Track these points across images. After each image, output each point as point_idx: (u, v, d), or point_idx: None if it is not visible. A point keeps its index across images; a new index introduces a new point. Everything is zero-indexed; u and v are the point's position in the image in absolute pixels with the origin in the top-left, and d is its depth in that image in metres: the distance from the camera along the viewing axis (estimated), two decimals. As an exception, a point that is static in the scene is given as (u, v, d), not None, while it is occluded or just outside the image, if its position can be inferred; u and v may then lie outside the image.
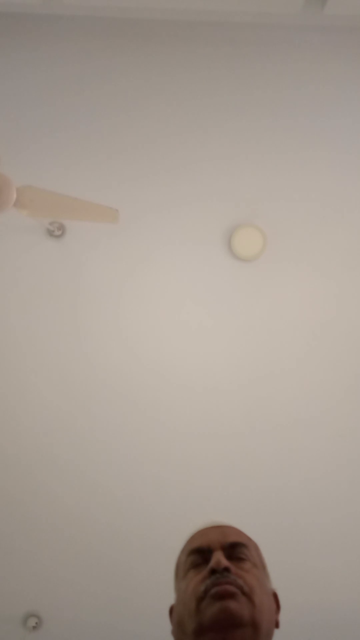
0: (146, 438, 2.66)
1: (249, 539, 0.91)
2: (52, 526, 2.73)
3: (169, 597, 0.89)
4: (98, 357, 2.64)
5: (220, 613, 0.72)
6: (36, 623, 2.83)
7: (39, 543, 2.76)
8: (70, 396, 2.68)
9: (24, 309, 2.62)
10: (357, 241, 2.48)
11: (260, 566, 0.87)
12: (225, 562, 0.79)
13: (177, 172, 2.41)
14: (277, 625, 0.84)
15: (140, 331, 2.61)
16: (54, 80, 2.33)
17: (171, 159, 2.39)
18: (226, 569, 0.77)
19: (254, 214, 2.45)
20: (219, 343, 2.58)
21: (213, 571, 0.78)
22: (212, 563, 0.79)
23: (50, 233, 2.53)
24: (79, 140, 2.36)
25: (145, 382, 2.63)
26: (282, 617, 0.85)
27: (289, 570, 2.54)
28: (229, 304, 2.55)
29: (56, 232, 2.52)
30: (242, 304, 2.55)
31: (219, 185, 2.42)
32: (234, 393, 2.56)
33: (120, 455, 2.69)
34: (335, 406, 2.64)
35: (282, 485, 2.66)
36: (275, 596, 0.88)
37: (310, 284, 2.52)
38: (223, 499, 2.64)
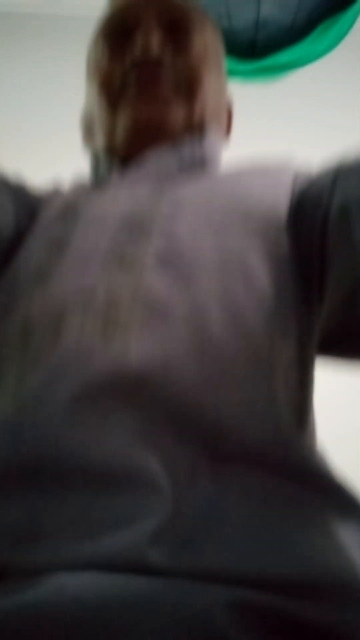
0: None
1: (206, 17, 0.58)
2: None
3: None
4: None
5: (137, 115, 0.50)
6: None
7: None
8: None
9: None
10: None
11: (216, 62, 0.57)
12: (157, 44, 0.51)
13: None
14: (227, 133, 0.63)
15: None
16: (54, 79, 2.33)
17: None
18: (159, 58, 0.51)
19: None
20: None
21: (138, 61, 0.51)
22: (138, 46, 0.51)
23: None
24: (78, 138, 2.36)
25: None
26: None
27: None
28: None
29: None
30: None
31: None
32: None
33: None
34: (336, 406, 2.63)
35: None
36: (229, 109, 0.63)
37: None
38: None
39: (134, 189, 0.48)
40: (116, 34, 0.55)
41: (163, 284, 0.39)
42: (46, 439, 0.32)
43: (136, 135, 0.51)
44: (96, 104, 0.55)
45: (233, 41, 0.98)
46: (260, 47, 1.04)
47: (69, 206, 0.48)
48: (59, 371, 0.35)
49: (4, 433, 0.34)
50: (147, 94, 0.50)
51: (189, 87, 0.52)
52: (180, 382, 0.35)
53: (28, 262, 0.44)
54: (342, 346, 0.45)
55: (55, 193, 0.55)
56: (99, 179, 0.55)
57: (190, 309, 0.38)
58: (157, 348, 0.36)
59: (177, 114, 0.51)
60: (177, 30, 0.54)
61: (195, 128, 0.53)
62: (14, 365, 0.37)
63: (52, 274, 0.41)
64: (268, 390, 0.37)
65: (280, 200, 0.46)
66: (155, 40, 0.51)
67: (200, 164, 0.52)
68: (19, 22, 2.35)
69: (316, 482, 0.35)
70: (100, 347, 0.36)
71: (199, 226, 0.43)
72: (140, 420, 0.33)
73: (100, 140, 0.55)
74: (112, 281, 0.39)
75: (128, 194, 0.47)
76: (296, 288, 0.42)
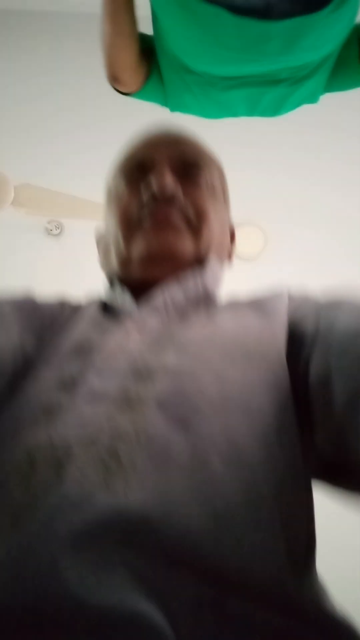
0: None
1: (212, 157, 0.69)
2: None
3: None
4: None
5: (153, 246, 0.57)
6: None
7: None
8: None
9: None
10: (357, 239, 2.47)
11: (221, 195, 0.67)
12: (170, 184, 0.59)
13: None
14: (229, 257, 0.69)
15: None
16: (53, 78, 2.32)
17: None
18: (172, 196, 0.58)
19: (255, 212, 2.44)
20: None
21: (153, 196, 0.59)
22: (154, 184, 0.59)
23: (49, 232, 2.51)
24: (77, 137, 2.35)
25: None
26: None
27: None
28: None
29: (54, 230, 2.51)
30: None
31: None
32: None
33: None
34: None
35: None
36: (232, 231, 0.71)
37: (311, 283, 2.51)
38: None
39: (143, 327, 0.52)
40: (134, 173, 0.63)
41: (166, 426, 0.40)
42: (45, 577, 0.32)
43: (149, 263, 0.57)
44: (114, 233, 0.62)
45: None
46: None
47: (84, 342, 0.51)
48: (60, 509, 0.35)
49: (1, 570, 0.33)
50: (161, 227, 0.57)
51: (197, 221, 0.60)
52: (180, 525, 0.35)
53: (39, 395, 0.45)
54: (340, 480, 0.45)
55: (63, 309, 0.60)
56: (112, 302, 0.59)
57: (192, 451, 0.39)
58: (157, 491, 0.36)
59: (186, 245, 0.58)
60: (188, 172, 0.63)
61: (202, 257, 0.60)
62: (14, 494, 0.37)
63: (61, 410, 0.43)
64: (271, 529, 0.37)
65: (277, 334, 0.51)
66: (168, 181, 0.59)
67: (203, 297, 0.58)
68: (19, 20, 2.33)
69: (321, 624, 0.36)
70: (101, 488, 0.36)
71: (203, 368, 0.46)
72: (141, 562, 0.33)
73: (115, 265, 0.61)
74: (117, 423, 0.41)
75: (138, 333, 0.51)
76: (298, 420, 0.44)
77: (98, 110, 2.34)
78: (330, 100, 2.30)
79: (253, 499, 0.37)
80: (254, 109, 1.17)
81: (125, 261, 0.59)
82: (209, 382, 0.44)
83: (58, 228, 2.50)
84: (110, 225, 0.63)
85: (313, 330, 0.48)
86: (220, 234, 0.64)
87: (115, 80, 1.10)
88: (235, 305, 0.57)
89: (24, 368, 0.49)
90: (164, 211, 0.58)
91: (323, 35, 0.91)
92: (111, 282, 0.63)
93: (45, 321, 0.56)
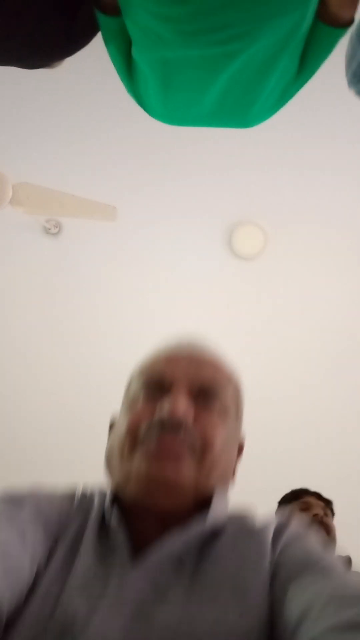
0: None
1: (230, 377, 0.71)
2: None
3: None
4: (95, 355, 2.61)
5: (152, 475, 0.58)
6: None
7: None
8: (68, 394, 2.66)
9: (20, 306, 2.59)
10: (358, 238, 2.47)
11: (235, 414, 0.69)
12: (182, 413, 0.61)
13: (176, 168, 2.39)
14: (234, 474, 0.70)
15: (138, 329, 2.59)
16: (52, 77, 2.31)
17: (171, 156, 2.37)
18: (181, 423, 0.61)
19: (255, 211, 2.43)
20: (219, 342, 2.56)
21: (163, 421, 0.61)
22: (166, 410, 0.61)
23: (47, 231, 2.50)
24: (76, 136, 2.33)
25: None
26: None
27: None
28: (229, 303, 2.53)
29: (53, 229, 2.49)
30: (242, 303, 2.53)
31: (219, 181, 2.40)
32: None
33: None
34: (337, 404, 2.63)
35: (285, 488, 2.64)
36: (240, 445, 0.73)
37: (311, 282, 2.50)
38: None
39: (127, 598, 0.54)
40: (152, 387, 0.66)
41: None
42: None
43: (147, 487, 0.58)
44: (121, 436, 0.64)
45: None
46: None
47: (69, 619, 0.53)
48: None
49: None
50: (163, 456, 0.59)
51: (201, 450, 0.61)
52: None
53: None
54: None
55: (71, 505, 0.64)
56: (108, 520, 0.61)
57: None
58: None
59: (186, 474, 0.59)
60: (203, 396, 0.65)
61: (202, 485, 0.61)
62: None
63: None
64: None
65: (264, 576, 0.55)
66: (181, 407, 0.61)
67: (202, 542, 0.60)
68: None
69: None
70: None
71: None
72: None
73: (115, 478, 0.63)
74: None
75: (120, 606, 0.53)
76: None
77: (97, 109, 2.33)
78: (331, 100, 2.29)
79: None
80: (218, 101, 1.06)
81: (126, 473, 0.61)
82: None
83: (56, 227, 2.49)
84: (121, 424, 0.66)
85: (300, 595, 0.51)
86: (226, 458, 0.66)
87: None
88: (233, 547, 0.59)
89: (33, 585, 0.54)
90: (169, 440, 0.59)
91: None
92: (111, 496, 0.64)
93: (58, 525, 0.60)
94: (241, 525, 0.62)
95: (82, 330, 2.60)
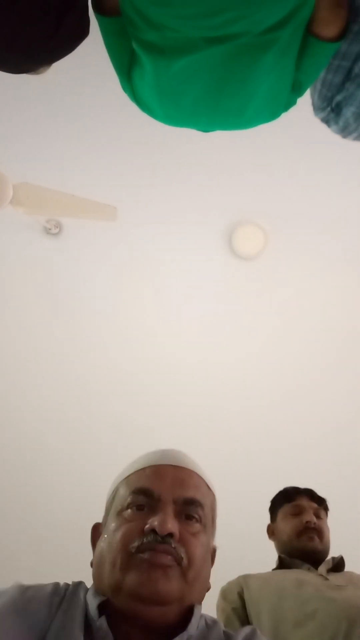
0: (143, 435, 2.65)
1: (208, 490, 0.79)
2: (51, 524, 2.72)
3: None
4: (95, 355, 2.62)
5: (145, 587, 0.65)
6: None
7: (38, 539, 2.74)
8: (68, 393, 2.66)
9: (20, 306, 2.60)
10: (358, 238, 2.47)
11: (210, 526, 0.78)
12: (170, 528, 0.68)
13: (176, 168, 2.39)
14: (207, 579, 0.77)
15: (138, 329, 2.59)
16: (52, 77, 2.31)
17: (171, 156, 2.37)
18: (170, 535, 0.68)
19: (255, 211, 2.43)
20: (219, 341, 2.56)
21: (154, 531, 0.68)
22: (157, 524, 0.68)
23: (47, 231, 2.50)
24: (76, 136, 2.34)
25: (143, 379, 2.61)
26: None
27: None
28: (229, 302, 2.53)
29: (53, 230, 2.50)
30: (242, 303, 2.53)
31: (219, 181, 2.40)
32: (233, 391, 2.55)
33: (119, 455, 2.67)
34: (336, 401, 2.63)
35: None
36: (213, 552, 0.79)
37: (311, 282, 2.51)
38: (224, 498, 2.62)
39: None
40: (140, 501, 0.72)
41: None
42: None
43: (137, 602, 0.65)
44: (114, 550, 0.70)
45: None
46: None
47: None
48: None
49: None
50: (155, 569, 0.66)
51: (187, 564, 0.68)
52: None
53: None
54: None
55: (52, 601, 0.69)
56: (92, 622, 0.67)
57: None
58: None
59: (173, 587, 0.66)
60: (187, 512, 0.72)
61: (185, 595, 0.68)
62: None
63: None
64: None
65: None
66: (170, 525, 0.68)
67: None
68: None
69: None
70: None
71: None
72: None
73: (105, 584, 0.69)
74: None
75: None
76: None
77: (98, 110, 2.33)
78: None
79: None
80: (215, 100, 1.08)
81: (117, 582, 0.67)
82: None
83: (57, 227, 2.49)
84: (112, 536, 0.71)
85: None
86: (205, 570, 0.74)
87: None
88: None
89: None
90: (161, 556, 0.67)
91: None
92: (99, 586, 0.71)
93: (41, 624, 0.66)
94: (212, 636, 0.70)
95: (82, 330, 2.61)
